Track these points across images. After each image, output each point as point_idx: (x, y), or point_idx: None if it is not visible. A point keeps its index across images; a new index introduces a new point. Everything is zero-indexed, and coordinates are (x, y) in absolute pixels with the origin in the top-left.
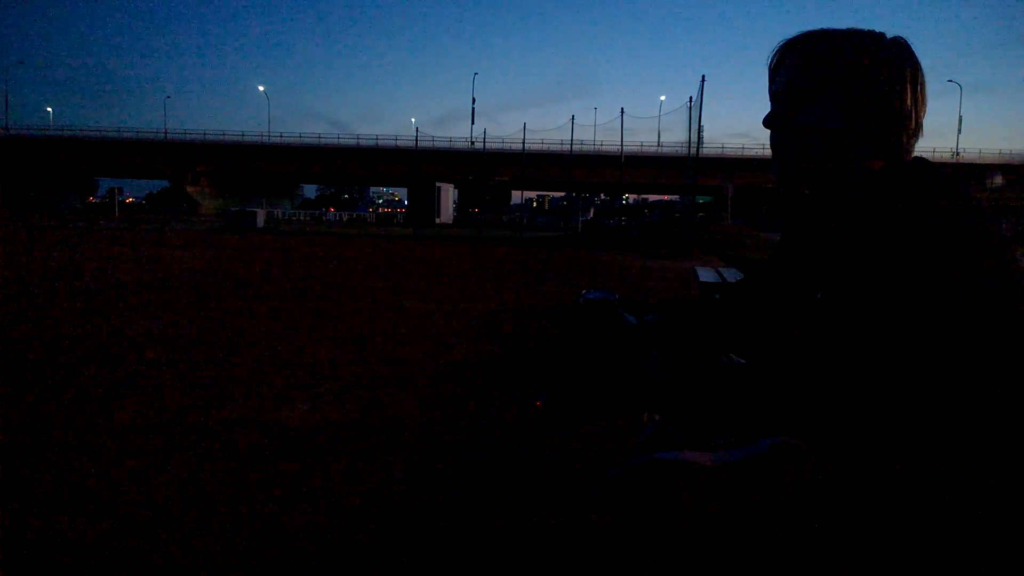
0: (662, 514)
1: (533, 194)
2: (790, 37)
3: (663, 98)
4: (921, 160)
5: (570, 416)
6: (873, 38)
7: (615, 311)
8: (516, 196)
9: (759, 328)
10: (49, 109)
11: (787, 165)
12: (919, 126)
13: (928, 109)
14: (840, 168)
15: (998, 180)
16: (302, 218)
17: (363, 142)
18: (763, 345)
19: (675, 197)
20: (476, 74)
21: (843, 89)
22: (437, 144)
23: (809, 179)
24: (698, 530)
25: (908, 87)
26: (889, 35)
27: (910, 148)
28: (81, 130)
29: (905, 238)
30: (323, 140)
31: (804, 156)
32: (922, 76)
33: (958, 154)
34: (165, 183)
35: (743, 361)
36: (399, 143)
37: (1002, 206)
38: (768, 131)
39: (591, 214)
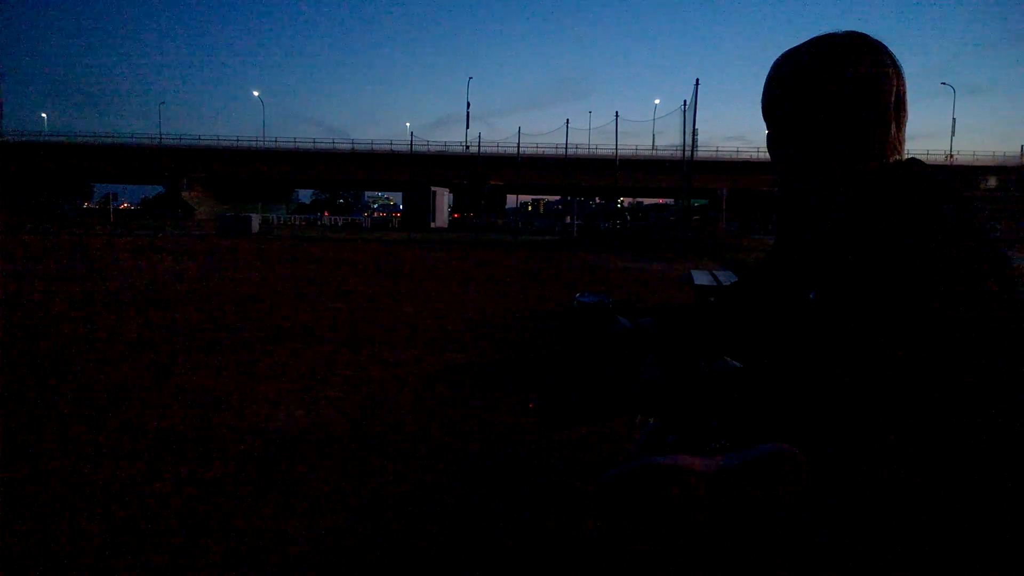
0: (655, 518)
1: (528, 198)
2: (776, 58)
3: (657, 101)
4: (914, 161)
5: (564, 419)
6: (832, 43)
7: (609, 314)
8: (511, 200)
9: (754, 331)
10: (44, 115)
11: (786, 173)
12: (883, 125)
13: (923, 111)
14: (827, 170)
15: (992, 182)
16: (297, 223)
17: (358, 147)
18: (758, 348)
19: (670, 200)
20: (471, 78)
21: (809, 96)
22: (432, 148)
23: (799, 182)
24: (692, 533)
25: (863, 86)
26: (875, 36)
27: (882, 146)
28: (77, 136)
29: (897, 238)
30: (318, 145)
31: (792, 166)
32: (884, 69)
33: (952, 156)
34: (160, 188)
35: (738, 365)
36: (394, 147)
37: (997, 207)
38: (765, 134)
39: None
